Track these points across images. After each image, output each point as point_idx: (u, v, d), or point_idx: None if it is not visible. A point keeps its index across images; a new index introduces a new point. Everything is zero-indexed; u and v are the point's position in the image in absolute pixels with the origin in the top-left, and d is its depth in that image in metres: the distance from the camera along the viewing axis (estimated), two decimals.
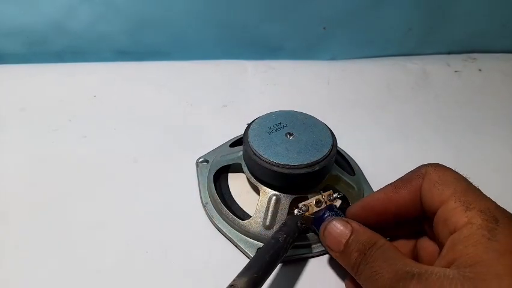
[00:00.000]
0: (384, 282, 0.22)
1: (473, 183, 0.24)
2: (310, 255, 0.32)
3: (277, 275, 0.31)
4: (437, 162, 0.26)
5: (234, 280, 0.24)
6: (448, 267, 0.21)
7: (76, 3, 0.50)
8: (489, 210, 0.22)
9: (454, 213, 0.22)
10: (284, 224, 0.29)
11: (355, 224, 0.26)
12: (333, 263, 0.32)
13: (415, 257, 0.28)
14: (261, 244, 0.32)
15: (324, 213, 0.29)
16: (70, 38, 0.53)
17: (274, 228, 0.32)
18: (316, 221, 0.30)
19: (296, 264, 0.32)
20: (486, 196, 0.23)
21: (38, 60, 0.54)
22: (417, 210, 0.26)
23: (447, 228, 0.23)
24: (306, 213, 0.30)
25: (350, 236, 0.25)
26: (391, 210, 0.27)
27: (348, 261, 0.25)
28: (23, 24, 0.51)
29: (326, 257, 0.32)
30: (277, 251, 0.26)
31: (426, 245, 0.27)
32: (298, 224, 0.29)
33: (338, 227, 0.26)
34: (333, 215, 0.29)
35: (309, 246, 0.32)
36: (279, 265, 0.31)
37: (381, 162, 0.42)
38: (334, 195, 0.31)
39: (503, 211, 0.22)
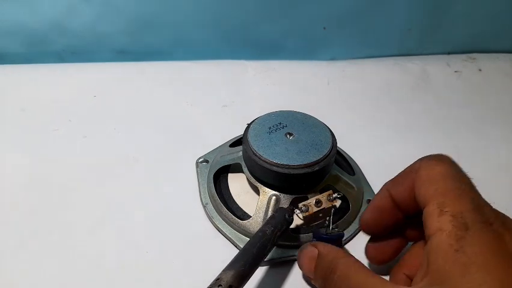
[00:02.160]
0: None
1: (465, 176, 0.23)
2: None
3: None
4: (433, 154, 0.25)
5: (220, 274, 0.23)
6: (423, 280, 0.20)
7: (76, 3, 0.50)
8: (461, 214, 0.20)
9: (429, 217, 0.21)
10: (272, 217, 0.29)
11: (320, 246, 0.25)
12: None
13: None
14: None
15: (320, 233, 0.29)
16: (70, 38, 0.53)
17: None
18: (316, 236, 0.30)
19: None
20: (470, 195, 0.21)
21: (38, 60, 0.54)
22: (416, 207, 0.25)
23: (426, 235, 0.21)
24: (306, 213, 0.30)
25: (316, 261, 0.25)
26: (396, 208, 0.26)
27: None
28: (23, 24, 0.51)
29: None
30: (265, 244, 0.26)
31: None
32: (286, 217, 0.29)
33: (306, 254, 0.26)
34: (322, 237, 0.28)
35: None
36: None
37: (381, 162, 0.42)
38: (334, 195, 0.31)
39: (478, 214, 0.20)
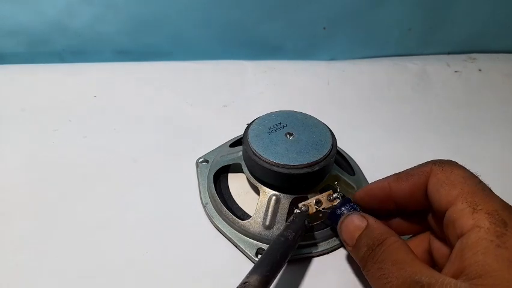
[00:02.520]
0: None
1: (481, 180, 0.23)
2: (314, 254, 0.32)
3: (282, 274, 0.31)
4: (444, 159, 0.26)
5: (246, 277, 0.24)
6: (458, 275, 0.20)
7: (76, 3, 0.50)
8: (497, 212, 0.21)
9: (461, 215, 0.22)
10: (292, 222, 0.29)
11: (371, 220, 0.26)
12: (337, 262, 0.32)
13: (430, 257, 0.27)
14: (261, 244, 0.32)
15: (340, 208, 0.30)
16: (70, 38, 0.53)
17: (274, 228, 0.32)
18: (331, 216, 0.30)
19: (300, 263, 0.32)
20: (495, 196, 0.22)
21: (38, 60, 0.54)
22: (417, 204, 0.26)
23: (455, 231, 0.22)
24: (306, 213, 0.30)
25: (363, 231, 0.25)
26: (392, 199, 0.27)
27: (357, 256, 0.25)
28: (24, 24, 0.51)
29: (329, 256, 0.32)
30: (287, 250, 0.26)
31: (438, 245, 0.27)
32: (306, 223, 0.29)
33: (353, 221, 0.27)
34: (350, 209, 0.29)
35: (315, 245, 0.32)
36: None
37: (381, 162, 0.42)
38: (334, 195, 0.31)
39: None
